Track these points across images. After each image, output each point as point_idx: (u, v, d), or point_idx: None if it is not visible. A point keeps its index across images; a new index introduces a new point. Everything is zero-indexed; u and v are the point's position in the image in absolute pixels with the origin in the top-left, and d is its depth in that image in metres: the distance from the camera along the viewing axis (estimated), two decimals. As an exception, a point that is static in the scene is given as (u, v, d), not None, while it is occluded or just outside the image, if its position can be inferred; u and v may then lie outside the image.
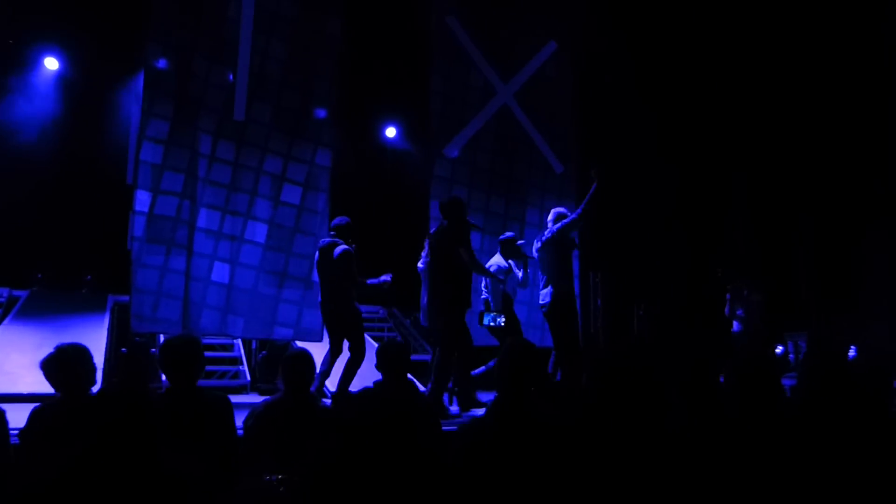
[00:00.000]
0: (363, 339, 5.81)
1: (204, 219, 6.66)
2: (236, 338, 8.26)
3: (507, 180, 8.00)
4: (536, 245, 6.29)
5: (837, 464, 2.44)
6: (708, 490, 2.26)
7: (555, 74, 8.25)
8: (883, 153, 8.70)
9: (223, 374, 8.62)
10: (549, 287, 6.09)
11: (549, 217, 6.35)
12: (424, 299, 6.00)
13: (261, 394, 7.60)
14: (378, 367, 3.70)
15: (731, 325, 8.48)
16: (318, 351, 6.35)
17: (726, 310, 8.43)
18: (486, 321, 6.13)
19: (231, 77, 6.83)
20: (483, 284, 6.70)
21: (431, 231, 6.39)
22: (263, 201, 6.86)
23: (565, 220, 6.14)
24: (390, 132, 12.03)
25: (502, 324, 6.08)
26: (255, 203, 6.84)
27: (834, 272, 9.37)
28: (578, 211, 6.07)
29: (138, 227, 6.41)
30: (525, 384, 2.65)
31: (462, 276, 5.79)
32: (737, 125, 9.42)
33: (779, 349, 9.33)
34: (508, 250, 6.56)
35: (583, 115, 8.55)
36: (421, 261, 6.37)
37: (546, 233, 6.22)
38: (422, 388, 5.58)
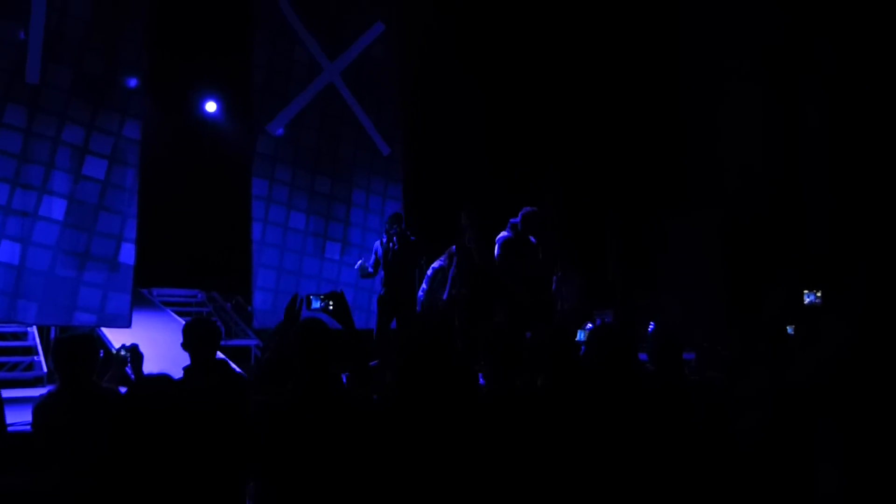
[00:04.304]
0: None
1: (-11, 192, 5.95)
2: (29, 325, 7.49)
3: (332, 160, 7.89)
4: None
5: (623, 428, 2.64)
6: (508, 461, 2.36)
7: (382, 56, 8.23)
8: (673, 149, 9.60)
9: (15, 366, 7.79)
10: None
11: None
12: None
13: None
14: (184, 346, 3.44)
15: (555, 304, 9.00)
16: (125, 337, 5.96)
17: (553, 289, 8.91)
18: (313, 305, 6.09)
19: (22, 35, 6.12)
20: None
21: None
22: (62, 174, 6.22)
23: None
24: (210, 106, 11.37)
25: (331, 307, 6.06)
26: (52, 176, 6.18)
27: (635, 256, 10.21)
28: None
29: None
30: (322, 365, 2.59)
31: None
32: (551, 120, 9.93)
33: (588, 326, 10.01)
34: None
35: (410, 98, 8.60)
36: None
37: None
38: (237, 369, 5.40)
